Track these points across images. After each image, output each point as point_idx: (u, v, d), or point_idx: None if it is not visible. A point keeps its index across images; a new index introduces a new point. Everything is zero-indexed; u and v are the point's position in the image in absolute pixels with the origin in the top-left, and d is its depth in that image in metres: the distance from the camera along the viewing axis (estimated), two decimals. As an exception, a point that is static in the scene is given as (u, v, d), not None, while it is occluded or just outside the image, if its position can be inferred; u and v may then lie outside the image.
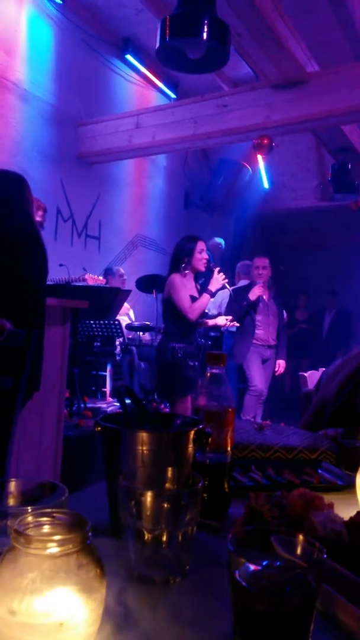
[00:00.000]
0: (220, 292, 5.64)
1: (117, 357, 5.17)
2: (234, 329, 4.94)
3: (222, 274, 3.92)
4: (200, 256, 3.87)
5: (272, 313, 5.17)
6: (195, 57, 3.44)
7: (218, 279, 3.89)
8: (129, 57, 6.54)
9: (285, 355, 5.27)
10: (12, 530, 0.51)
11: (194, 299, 3.83)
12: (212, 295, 3.91)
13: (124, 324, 5.27)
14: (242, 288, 5.26)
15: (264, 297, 5.15)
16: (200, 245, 3.88)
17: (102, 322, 4.92)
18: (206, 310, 4.18)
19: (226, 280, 3.94)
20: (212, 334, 5.85)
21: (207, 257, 3.94)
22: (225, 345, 5.55)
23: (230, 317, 4.45)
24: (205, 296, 3.84)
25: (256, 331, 5.11)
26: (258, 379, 5.12)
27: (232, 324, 4.43)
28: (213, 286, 3.88)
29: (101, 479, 0.87)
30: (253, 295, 5.00)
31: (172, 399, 3.90)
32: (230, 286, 5.83)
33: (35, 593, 0.48)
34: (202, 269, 3.93)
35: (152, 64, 6.62)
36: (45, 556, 0.49)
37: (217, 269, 3.92)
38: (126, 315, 5.88)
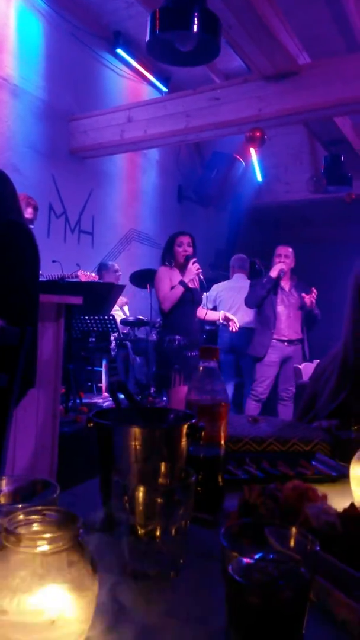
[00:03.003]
0: (215, 286, 5.62)
1: (112, 352, 5.17)
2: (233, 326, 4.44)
3: (196, 264, 3.89)
4: (180, 249, 3.93)
5: (293, 304, 4.85)
6: (186, 50, 3.41)
7: (192, 269, 3.87)
8: (119, 51, 6.50)
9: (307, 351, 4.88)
10: (2, 529, 0.51)
11: None
12: (186, 287, 3.86)
13: (118, 319, 5.26)
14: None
15: (285, 287, 4.86)
16: (180, 239, 3.95)
17: (96, 317, 4.91)
18: (202, 306, 4.16)
19: (200, 270, 3.90)
20: (207, 327, 5.85)
21: (187, 250, 3.92)
22: (220, 339, 5.53)
23: (223, 315, 4.34)
24: (179, 287, 3.85)
25: (277, 324, 4.76)
26: (266, 385, 4.80)
27: (227, 322, 4.30)
28: (186, 277, 3.87)
29: (97, 474, 0.87)
30: (274, 271, 4.74)
31: (167, 388, 3.96)
32: (224, 279, 5.81)
33: (26, 591, 0.48)
34: (182, 262, 3.96)
35: (143, 57, 6.59)
36: (35, 554, 0.49)
37: (192, 260, 3.91)
38: (120, 310, 5.86)
